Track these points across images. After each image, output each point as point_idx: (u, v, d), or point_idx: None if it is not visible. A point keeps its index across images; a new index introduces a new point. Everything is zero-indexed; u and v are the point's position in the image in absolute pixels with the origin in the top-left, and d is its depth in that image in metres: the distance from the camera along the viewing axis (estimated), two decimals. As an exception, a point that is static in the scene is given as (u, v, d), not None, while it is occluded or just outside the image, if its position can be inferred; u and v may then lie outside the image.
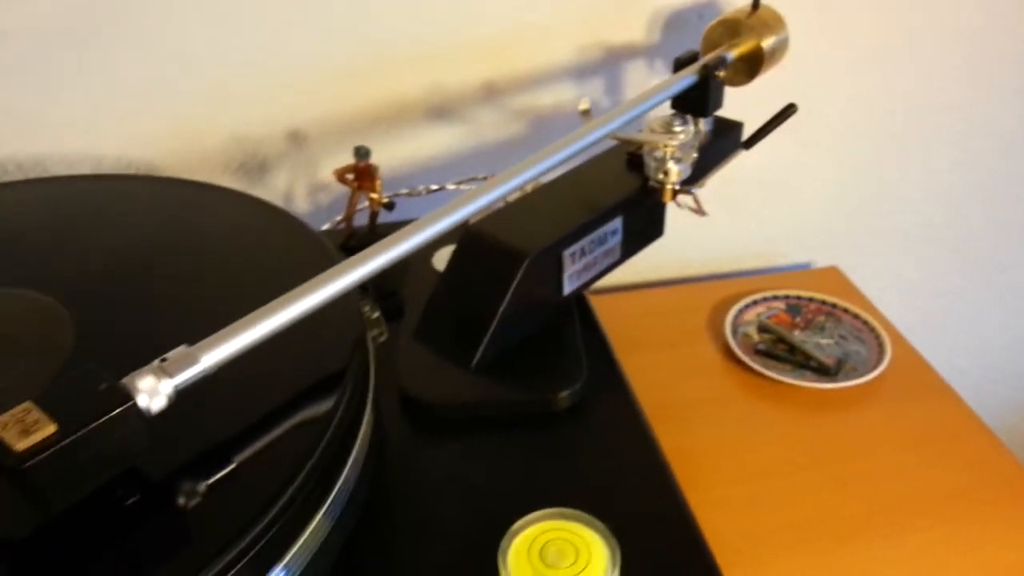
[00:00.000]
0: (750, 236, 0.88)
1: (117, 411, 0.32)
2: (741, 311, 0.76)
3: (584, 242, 0.54)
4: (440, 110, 0.74)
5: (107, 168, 0.71)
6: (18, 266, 0.49)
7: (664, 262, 0.87)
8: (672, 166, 0.55)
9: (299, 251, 0.50)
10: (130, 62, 0.67)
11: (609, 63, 0.74)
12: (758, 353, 0.72)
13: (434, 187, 0.68)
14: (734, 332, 0.73)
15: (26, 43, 0.64)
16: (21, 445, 0.31)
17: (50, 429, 0.31)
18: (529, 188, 0.59)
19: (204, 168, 0.72)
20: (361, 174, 0.61)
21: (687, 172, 0.56)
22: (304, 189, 0.75)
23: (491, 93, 0.74)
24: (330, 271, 0.41)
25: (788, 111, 0.58)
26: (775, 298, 0.77)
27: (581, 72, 0.74)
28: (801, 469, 0.62)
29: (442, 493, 0.45)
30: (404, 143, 0.74)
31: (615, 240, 0.56)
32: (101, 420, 0.32)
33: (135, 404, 0.33)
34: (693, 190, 0.57)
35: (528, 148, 0.76)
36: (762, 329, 0.74)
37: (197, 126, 0.70)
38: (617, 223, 0.56)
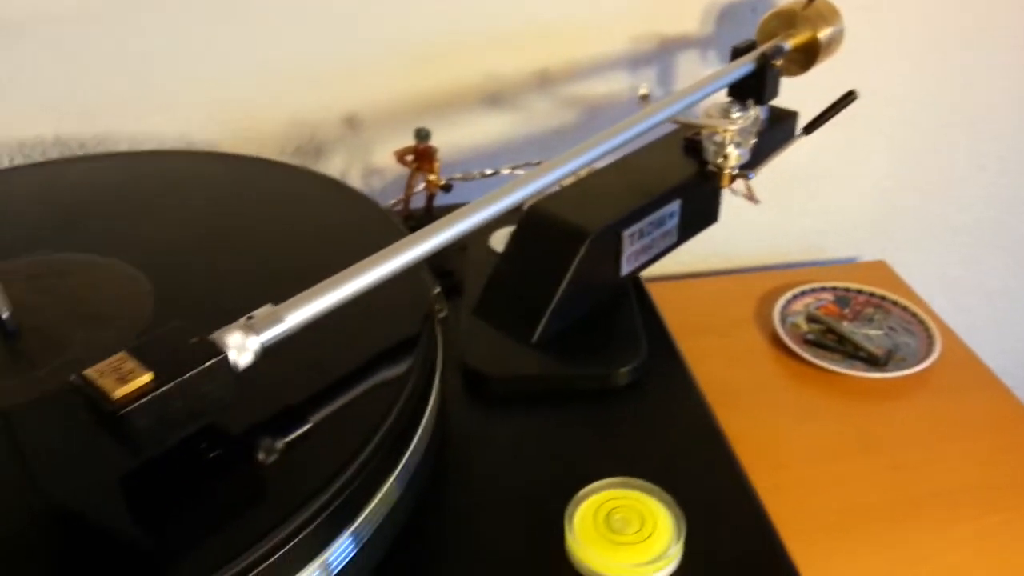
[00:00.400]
0: (797, 228, 0.88)
1: (209, 363, 0.34)
2: (789, 301, 0.76)
3: (643, 223, 0.54)
4: (494, 97, 0.75)
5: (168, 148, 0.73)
6: (96, 235, 0.51)
7: (710, 253, 0.87)
8: (732, 150, 0.56)
9: (366, 225, 0.51)
10: (193, 45, 0.68)
11: (662, 54, 0.75)
12: (807, 343, 0.72)
13: (488, 171, 0.69)
14: (783, 322, 0.73)
15: (89, 25, 0.66)
16: (118, 392, 0.32)
17: (146, 378, 0.32)
18: (583, 173, 0.60)
19: (262, 151, 0.73)
20: (421, 156, 0.62)
21: (746, 157, 0.57)
22: (358, 172, 0.76)
23: (545, 82, 0.74)
24: (401, 242, 0.42)
25: (848, 98, 0.58)
26: (823, 289, 0.78)
27: (634, 62, 0.75)
28: (852, 455, 0.63)
29: (504, 464, 0.46)
30: (458, 129, 0.75)
31: (672, 223, 0.57)
32: (194, 371, 0.33)
33: (226, 357, 0.34)
34: (751, 175, 0.57)
35: (579, 137, 0.77)
36: (811, 319, 0.74)
37: (256, 109, 0.72)
38: (675, 206, 0.56)
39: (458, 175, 0.70)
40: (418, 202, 0.66)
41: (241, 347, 0.35)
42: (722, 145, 0.56)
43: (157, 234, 0.51)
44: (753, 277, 0.83)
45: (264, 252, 0.49)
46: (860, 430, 0.65)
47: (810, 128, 0.59)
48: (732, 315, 0.77)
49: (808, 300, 0.77)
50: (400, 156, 0.63)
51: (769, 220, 0.87)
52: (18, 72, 0.67)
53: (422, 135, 0.62)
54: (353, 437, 0.36)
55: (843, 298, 0.77)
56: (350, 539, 0.36)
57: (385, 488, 0.38)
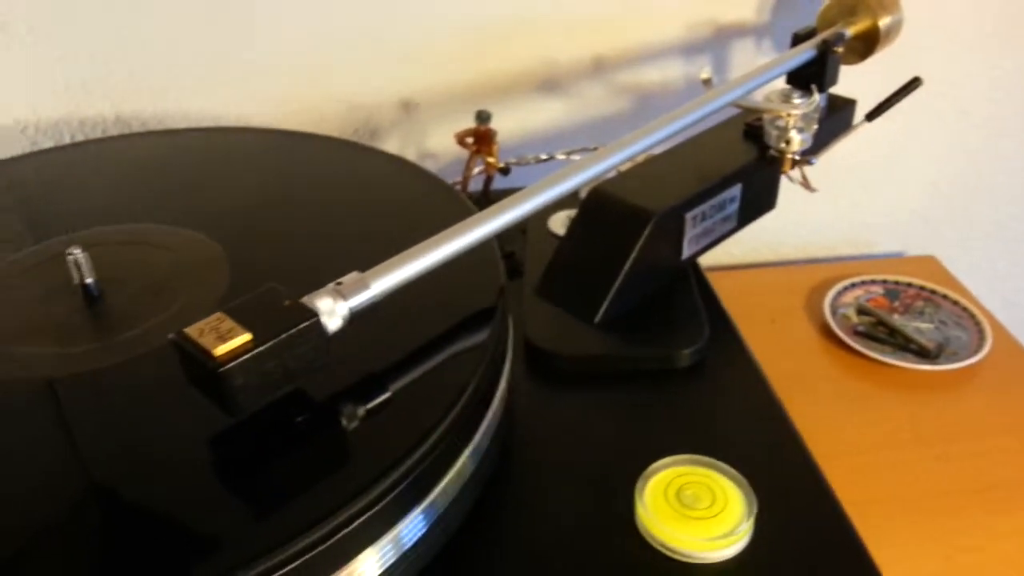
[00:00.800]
0: (844, 222, 0.88)
1: (304, 324, 0.34)
2: (839, 293, 0.76)
3: (705, 206, 0.55)
4: (549, 83, 0.75)
5: (228, 129, 0.74)
6: (173, 207, 0.52)
7: (758, 245, 0.87)
8: (794, 135, 0.56)
9: (435, 203, 0.52)
10: (252, 28, 0.69)
11: (717, 41, 0.75)
12: (857, 334, 0.72)
13: (543, 156, 0.70)
14: (833, 313, 0.73)
15: (153, 5, 0.67)
16: (218, 350, 0.33)
17: (245, 337, 0.33)
18: (640, 158, 0.60)
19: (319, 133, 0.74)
20: (480, 138, 0.63)
21: (808, 142, 0.57)
22: (413, 155, 0.77)
23: (599, 68, 0.75)
24: (477, 216, 0.42)
25: (913, 84, 0.58)
26: (873, 282, 0.78)
27: (688, 50, 0.75)
28: (904, 446, 0.63)
29: (568, 441, 0.46)
30: (511, 114, 0.76)
31: (733, 207, 0.57)
32: (291, 331, 0.34)
33: (319, 320, 0.35)
34: (813, 161, 0.57)
35: (631, 124, 0.77)
36: (861, 311, 0.74)
37: (314, 92, 0.73)
38: (736, 190, 0.56)
39: (512, 159, 0.70)
40: (475, 185, 0.67)
41: (331, 311, 0.36)
42: (785, 130, 0.56)
43: (231, 208, 0.52)
44: (800, 269, 0.83)
45: (335, 226, 0.50)
46: (911, 422, 0.65)
47: (873, 115, 0.59)
48: (781, 306, 0.77)
49: (858, 292, 0.77)
50: (460, 138, 0.63)
51: (817, 212, 0.87)
52: (79, 50, 0.68)
53: (483, 117, 0.62)
54: (430, 410, 0.37)
55: (893, 291, 0.77)
56: (422, 515, 0.36)
57: (460, 462, 0.38)
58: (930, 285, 0.77)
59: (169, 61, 0.70)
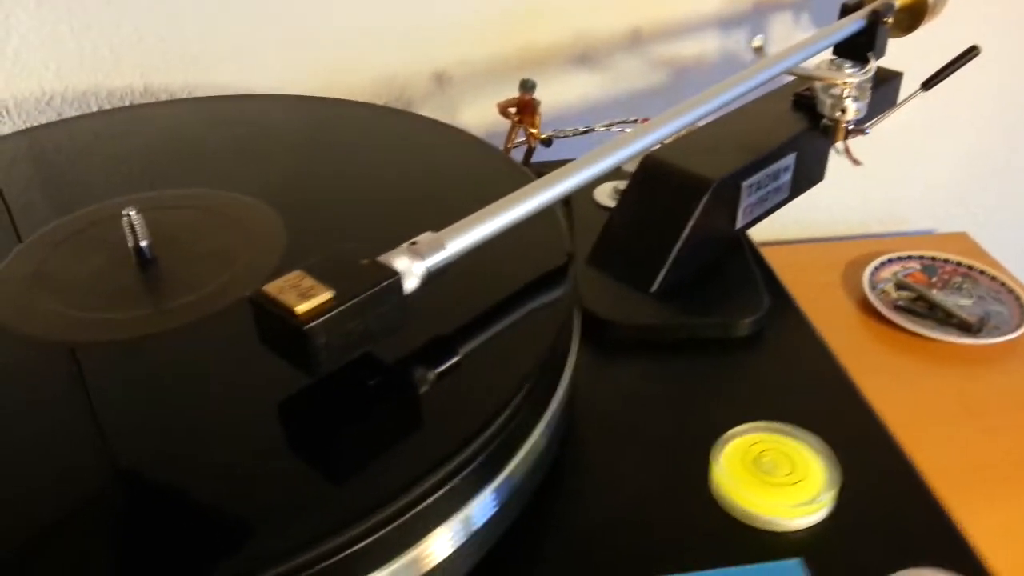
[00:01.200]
0: (876, 198, 0.87)
1: (386, 283, 0.33)
2: (877, 269, 0.75)
3: (760, 175, 0.54)
4: (584, 57, 0.74)
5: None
6: (226, 172, 0.51)
7: (788, 223, 0.86)
8: (850, 104, 0.55)
9: (490, 170, 0.51)
10: (285, 1, 0.68)
11: (754, 15, 0.74)
12: (898, 309, 0.71)
13: (582, 128, 0.69)
14: (872, 288, 0.73)
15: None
16: (301, 307, 0.32)
17: (327, 295, 0.32)
18: (683, 132, 0.59)
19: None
20: (524, 108, 0.62)
21: (863, 111, 0.56)
22: (446, 130, 0.75)
23: (635, 42, 0.74)
24: (547, 178, 0.41)
25: (970, 53, 0.57)
26: (910, 258, 0.77)
27: (726, 23, 0.74)
28: (950, 419, 0.62)
29: (632, 411, 0.45)
30: (546, 88, 0.74)
31: (786, 177, 0.56)
32: (372, 290, 0.33)
33: (399, 278, 0.34)
34: (867, 130, 0.56)
35: (666, 97, 0.76)
36: (900, 287, 0.73)
37: (347, 64, 0.71)
38: (790, 159, 0.56)
39: (550, 132, 0.69)
40: (514, 156, 0.66)
41: (408, 271, 0.35)
42: (840, 98, 0.55)
43: (283, 173, 0.50)
44: (835, 246, 0.82)
45: (389, 192, 0.49)
46: (955, 395, 0.64)
47: (928, 84, 0.58)
48: (818, 282, 0.76)
49: (895, 268, 0.76)
50: (503, 108, 0.62)
51: (848, 189, 0.86)
52: (107, 17, 0.67)
53: (528, 86, 0.61)
54: (506, 378, 0.35)
55: (930, 267, 0.76)
56: (493, 495, 0.34)
57: (536, 432, 0.37)
58: (967, 261, 0.76)
59: (201, 28, 0.68)
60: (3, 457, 0.33)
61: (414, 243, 0.36)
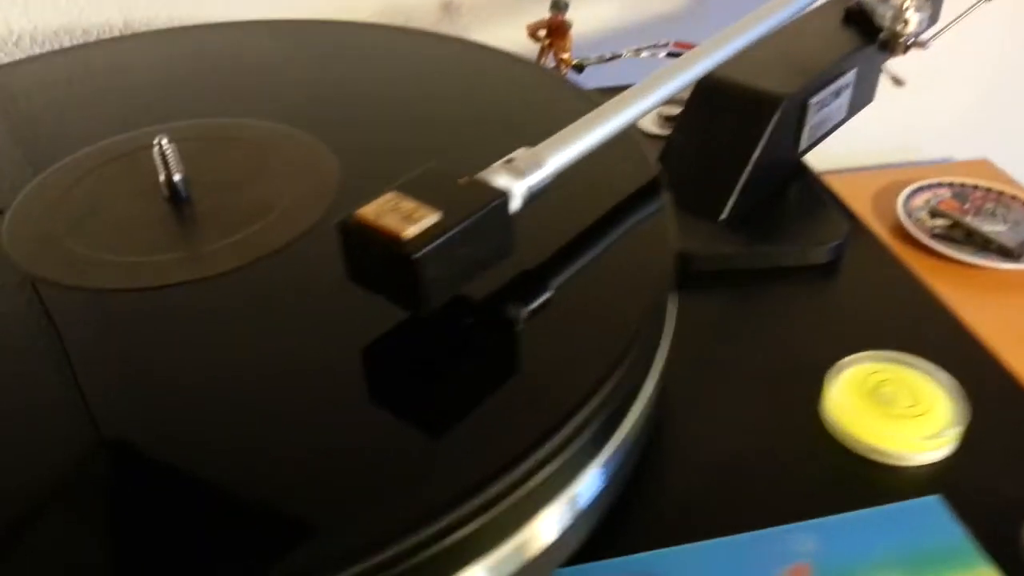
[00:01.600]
0: (893, 126, 0.84)
1: (496, 202, 0.29)
2: (908, 197, 0.72)
3: (825, 93, 0.50)
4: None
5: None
6: (267, 103, 0.45)
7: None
8: (912, 15, 0.52)
9: (540, 91, 0.46)
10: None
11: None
12: (936, 236, 0.69)
13: (607, 55, 0.64)
14: (907, 217, 0.70)
15: None
16: (408, 232, 0.27)
17: (434, 217, 0.28)
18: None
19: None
20: (555, 31, 0.57)
21: (925, 23, 0.53)
22: (456, 63, 0.70)
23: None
24: (637, 88, 0.37)
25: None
26: (940, 185, 0.74)
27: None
28: (1011, 346, 0.60)
29: (721, 342, 0.42)
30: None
31: (846, 96, 0.53)
32: (483, 211, 0.28)
33: (507, 197, 0.29)
34: (928, 43, 0.53)
35: (686, 23, 0.72)
36: (935, 214, 0.71)
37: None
38: (851, 76, 0.52)
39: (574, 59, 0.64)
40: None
41: (509, 190, 0.30)
42: (901, 9, 0.52)
43: (329, 102, 0.45)
44: (856, 177, 0.79)
45: (440, 118, 0.44)
46: (999, 322, 0.62)
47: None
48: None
49: (927, 196, 0.73)
50: (532, 31, 0.57)
51: (864, 117, 0.82)
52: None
53: (560, 5, 0.56)
54: (614, 325, 0.31)
55: (961, 193, 0.74)
56: (599, 471, 0.30)
57: (648, 386, 0.32)
58: (997, 186, 0.74)
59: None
60: (20, 422, 0.28)
61: (510, 160, 0.32)
